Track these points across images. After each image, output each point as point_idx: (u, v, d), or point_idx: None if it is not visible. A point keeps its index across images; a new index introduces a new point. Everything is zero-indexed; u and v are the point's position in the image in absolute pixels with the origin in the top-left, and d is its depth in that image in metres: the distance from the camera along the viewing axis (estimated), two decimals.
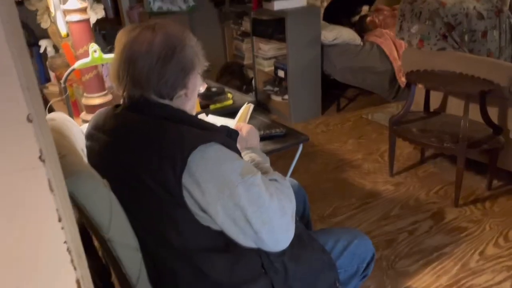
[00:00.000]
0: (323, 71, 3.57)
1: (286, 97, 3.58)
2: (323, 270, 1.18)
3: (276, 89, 3.74)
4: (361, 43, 3.54)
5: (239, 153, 1.05)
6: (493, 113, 2.30)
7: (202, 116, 1.72)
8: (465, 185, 2.41)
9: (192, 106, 1.10)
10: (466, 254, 1.95)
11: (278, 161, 2.71)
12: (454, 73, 2.37)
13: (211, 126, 1.05)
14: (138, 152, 0.95)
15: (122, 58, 1.00)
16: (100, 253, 1.09)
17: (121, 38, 1.02)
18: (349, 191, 2.51)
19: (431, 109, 2.63)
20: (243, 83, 3.89)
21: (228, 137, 1.06)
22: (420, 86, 2.32)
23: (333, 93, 3.79)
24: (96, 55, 1.43)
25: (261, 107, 3.70)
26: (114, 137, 1.01)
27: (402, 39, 2.75)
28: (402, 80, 3.48)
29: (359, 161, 2.85)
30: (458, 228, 2.12)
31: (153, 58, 0.98)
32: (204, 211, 0.94)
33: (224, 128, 1.09)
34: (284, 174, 2.01)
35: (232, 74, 3.98)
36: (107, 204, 0.88)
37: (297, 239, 1.12)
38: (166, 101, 1.02)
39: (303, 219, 1.56)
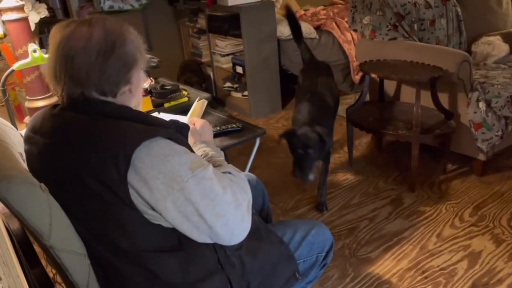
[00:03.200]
0: (281, 66, 3.58)
1: (246, 93, 3.56)
2: (281, 262, 1.17)
3: (235, 85, 3.72)
4: (317, 37, 3.57)
5: (189, 147, 1.02)
6: (444, 98, 2.38)
7: (154, 115, 1.67)
8: (421, 170, 2.48)
9: (137, 102, 1.06)
10: (424, 237, 2.00)
11: (239, 157, 2.70)
12: (405, 62, 2.42)
13: (158, 121, 1.02)
14: (78, 152, 0.90)
15: (58, 56, 0.95)
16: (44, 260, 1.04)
17: (55, 34, 0.97)
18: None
19: (386, 98, 2.69)
20: (202, 81, 3.85)
21: (178, 132, 1.03)
22: (373, 75, 2.36)
23: (292, 87, 3.80)
24: (36, 55, 1.36)
25: (219, 103, 3.66)
26: (53, 139, 0.96)
27: (355, 30, 2.79)
28: (356, 78, 3.53)
29: None
30: (416, 212, 2.18)
31: (92, 54, 0.93)
32: (153, 209, 0.91)
33: (173, 122, 1.06)
34: (244, 170, 2.00)
35: (192, 72, 3.93)
36: (46, 210, 0.83)
37: (254, 232, 1.11)
38: (109, 98, 0.98)
39: (262, 212, 1.54)
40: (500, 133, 2.27)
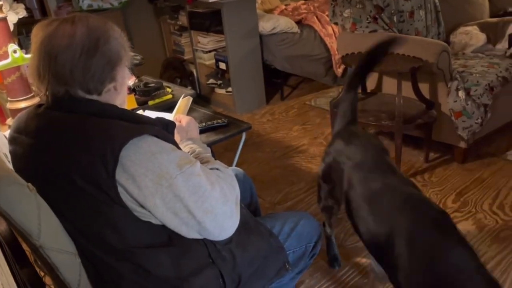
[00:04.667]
0: (264, 61, 3.59)
1: (229, 89, 3.56)
2: (271, 254, 1.18)
3: (219, 82, 3.72)
4: (298, 31, 3.59)
5: (176, 145, 1.03)
6: (424, 88, 2.42)
7: (139, 113, 1.67)
8: (405, 160, 2.52)
9: (122, 100, 1.06)
10: None
11: (225, 153, 2.71)
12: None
13: (145, 119, 1.02)
14: (65, 151, 0.90)
15: (41, 54, 0.94)
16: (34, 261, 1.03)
17: (37, 33, 0.96)
18: (298, 176, 2.55)
19: (368, 90, 2.72)
20: (185, 78, 3.84)
21: (164, 129, 1.03)
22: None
23: (276, 82, 3.82)
24: (16, 55, 1.34)
25: (203, 100, 3.66)
26: (38, 138, 0.95)
27: (336, 23, 2.81)
28: (339, 71, 3.56)
29: (305, 146, 2.90)
30: None
31: (76, 51, 0.93)
32: (142, 206, 0.91)
33: (159, 120, 1.07)
34: (231, 165, 2.01)
35: (175, 69, 3.91)
36: (34, 209, 0.83)
37: (243, 226, 1.12)
38: (94, 97, 0.98)
39: (250, 206, 1.56)
40: (479, 120, 2.32)
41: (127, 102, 1.15)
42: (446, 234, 1.10)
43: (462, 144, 2.41)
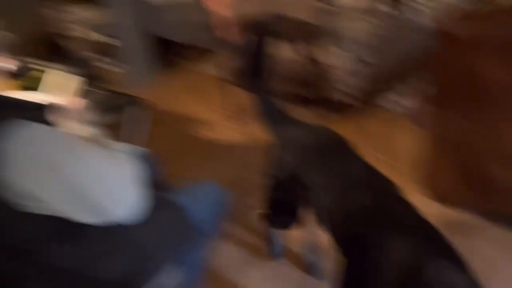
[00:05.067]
0: (153, 32, 3.46)
1: (121, 65, 3.40)
2: (181, 227, 1.21)
3: (108, 58, 3.52)
4: None
5: (65, 129, 0.98)
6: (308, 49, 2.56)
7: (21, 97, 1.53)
8: None
9: None
10: None
11: (125, 132, 2.62)
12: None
13: (26, 104, 0.96)
14: None
15: None
16: None
17: None
18: (199, 145, 2.58)
19: None
20: (70, 57, 3.57)
21: (52, 113, 0.97)
22: None
23: (168, 53, 3.73)
24: None
25: (93, 78, 3.45)
26: None
27: None
28: (224, 36, 3.56)
29: (204, 114, 2.91)
30: None
31: None
32: (30, 198, 0.85)
33: (39, 104, 1.00)
34: (131, 143, 1.95)
35: (57, 47, 3.61)
36: None
37: (152, 203, 1.11)
38: None
39: (157, 183, 1.55)
40: (359, 74, 2.54)
41: (4, 86, 1.05)
42: (429, 241, 0.96)
43: (344, 98, 2.61)
